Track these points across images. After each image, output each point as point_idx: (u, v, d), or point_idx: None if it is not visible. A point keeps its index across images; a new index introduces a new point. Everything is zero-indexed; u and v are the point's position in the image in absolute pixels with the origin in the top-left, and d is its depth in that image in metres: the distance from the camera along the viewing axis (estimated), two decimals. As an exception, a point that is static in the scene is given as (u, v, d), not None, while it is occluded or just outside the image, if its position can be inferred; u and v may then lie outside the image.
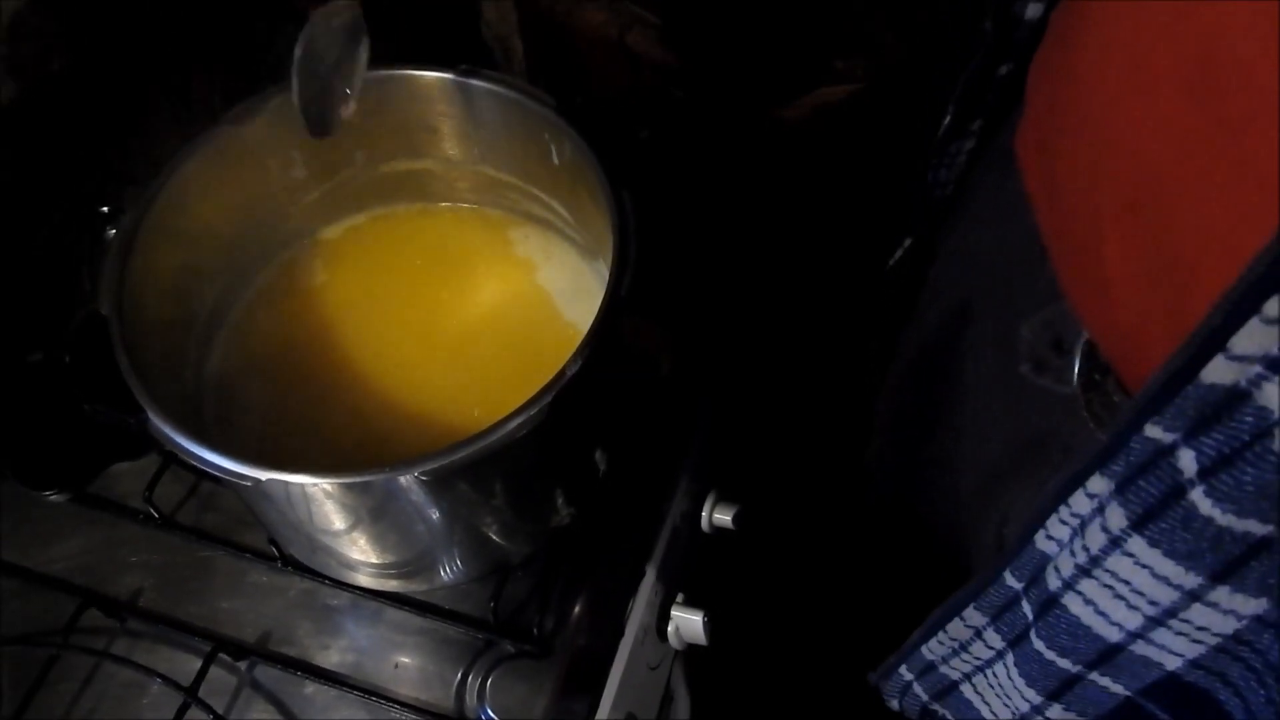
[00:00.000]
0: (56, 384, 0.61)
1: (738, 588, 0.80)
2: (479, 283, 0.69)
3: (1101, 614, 0.40)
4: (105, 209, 0.62)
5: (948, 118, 0.61)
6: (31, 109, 0.78)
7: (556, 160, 0.64)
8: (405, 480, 0.52)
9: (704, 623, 0.69)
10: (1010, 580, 0.46)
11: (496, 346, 0.66)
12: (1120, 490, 0.37)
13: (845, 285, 0.82)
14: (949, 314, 0.64)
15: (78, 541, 0.68)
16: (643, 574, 0.69)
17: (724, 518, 0.76)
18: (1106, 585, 0.39)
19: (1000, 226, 0.58)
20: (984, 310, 0.61)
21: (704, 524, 0.76)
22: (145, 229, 0.58)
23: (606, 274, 0.63)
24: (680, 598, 0.69)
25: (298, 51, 0.56)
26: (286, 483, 0.51)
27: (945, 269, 0.65)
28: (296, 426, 0.64)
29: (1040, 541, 0.43)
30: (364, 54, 0.59)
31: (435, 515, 0.58)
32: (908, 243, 0.69)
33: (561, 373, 0.52)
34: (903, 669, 0.56)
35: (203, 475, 0.54)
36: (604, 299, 0.55)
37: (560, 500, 0.64)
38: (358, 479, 0.51)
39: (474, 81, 0.63)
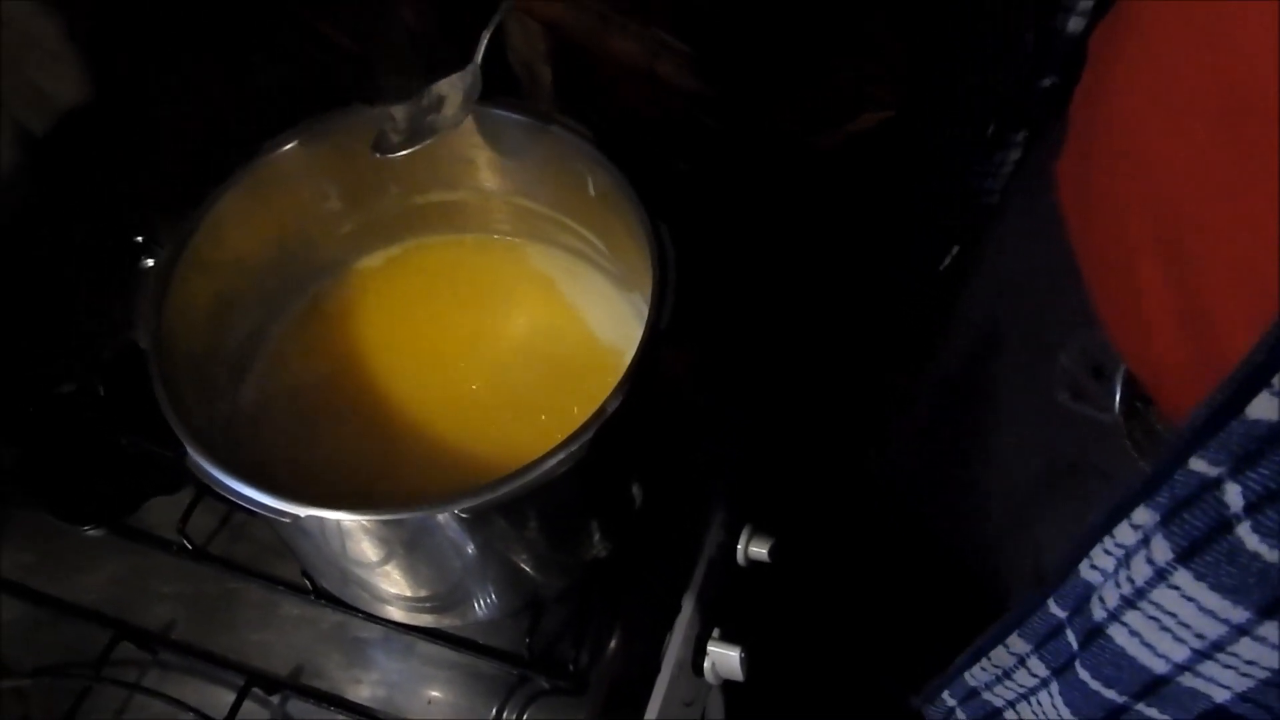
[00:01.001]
0: (90, 416, 0.62)
1: (774, 622, 0.78)
2: (513, 314, 0.69)
3: (1147, 645, 0.40)
4: (139, 239, 0.62)
5: (990, 128, 0.61)
6: (63, 138, 0.77)
7: (592, 191, 0.63)
8: (443, 517, 0.52)
9: (740, 658, 0.68)
10: (1054, 609, 0.46)
11: (532, 378, 0.66)
12: (1165, 523, 0.37)
13: (878, 313, 0.81)
14: (979, 338, 0.64)
15: (110, 571, 0.68)
16: (679, 608, 0.68)
17: (760, 551, 0.74)
18: (1152, 617, 0.39)
19: (1031, 249, 0.58)
20: (1015, 334, 0.61)
21: (739, 557, 0.75)
22: (183, 261, 0.58)
23: (642, 305, 0.64)
24: (716, 632, 0.68)
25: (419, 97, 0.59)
26: (324, 519, 0.50)
27: (975, 292, 0.65)
28: (329, 458, 0.64)
29: (1084, 571, 0.43)
30: (463, 119, 0.61)
31: (471, 550, 0.57)
32: (956, 250, 0.69)
33: (602, 409, 0.52)
34: (946, 695, 0.56)
35: (237, 508, 0.53)
36: (644, 333, 0.54)
37: (596, 533, 0.64)
38: (396, 516, 0.51)
39: (509, 113, 0.63)
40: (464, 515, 0.50)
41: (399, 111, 0.61)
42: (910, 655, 0.73)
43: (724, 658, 0.69)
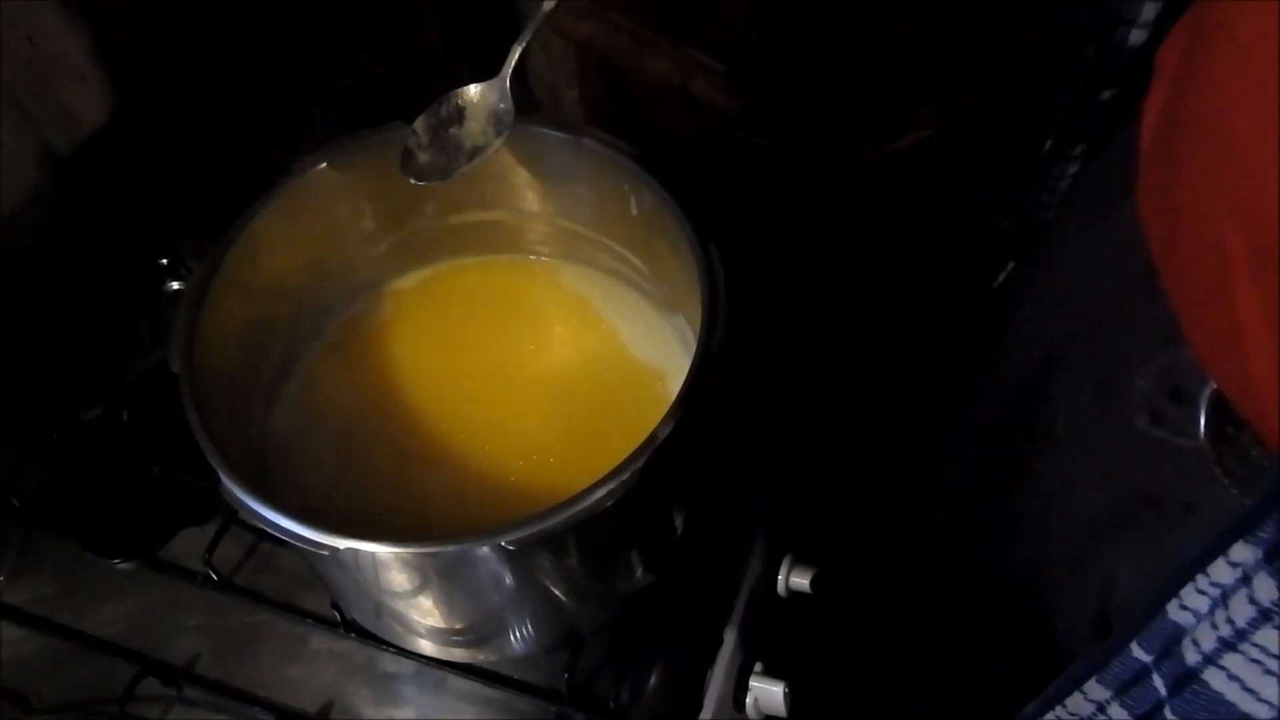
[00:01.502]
0: (115, 443, 0.61)
1: (816, 656, 0.75)
2: (552, 337, 0.68)
3: (1249, 691, 0.38)
4: (164, 260, 0.62)
5: (1049, 142, 0.59)
6: (88, 158, 0.77)
7: (635, 211, 0.62)
8: (487, 549, 0.50)
9: (785, 694, 0.66)
10: (1138, 652, 0.43)
11: (573, 403, 0.64)
12: (1270, 559, 0.35)
13: (924, 335, 0.79)
14: (1036, 360, 0.61)
15: (134, 603, 0.67)
16: (721, 641, 0.66)
17: (801, 581, 0.72)
18: (1255, 660, 0.37)
19: (1096, 266, 0.56)
20: (1077, 358, 0.58)
21: (780, 588, 0.73)
22: (217, 281, 0.57)
23: (685, 327, 0.64)
24: (759, 667, 0.65)
25: (441, 105, 0.59)
26: (364, 551, 0.49)
27: (1031, 312, 0.63)
28: (363, 486, 0.62)
29: (1173, 612, 0.40)
30: (497, 144, 0.60)
31: (510, 582, 0.55)
32: (1011, 265, 0.68)
33: (654, 435, 0.50)
34: (1017, 745, 0.53)
35: (268, 538, 0.52)
36: (695, 356, 0.52)
37: (638, 564, 0.62)
38: (440, 549, 0.49)
39: (549, 130, 0.62)
40: (510, 547, 0.48)
41: (419, 124, 0.60)
42: (960, 694, 0.71)
43: (767, 693, 0.67)
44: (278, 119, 0.85)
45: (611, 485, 0.49)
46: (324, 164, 0.62)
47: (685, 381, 0.52)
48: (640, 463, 0.49)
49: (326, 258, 0.66)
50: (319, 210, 0.63)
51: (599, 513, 0.48)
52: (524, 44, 0.59)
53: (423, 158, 0.59)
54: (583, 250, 0.69)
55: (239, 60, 0.84)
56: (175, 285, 0.62)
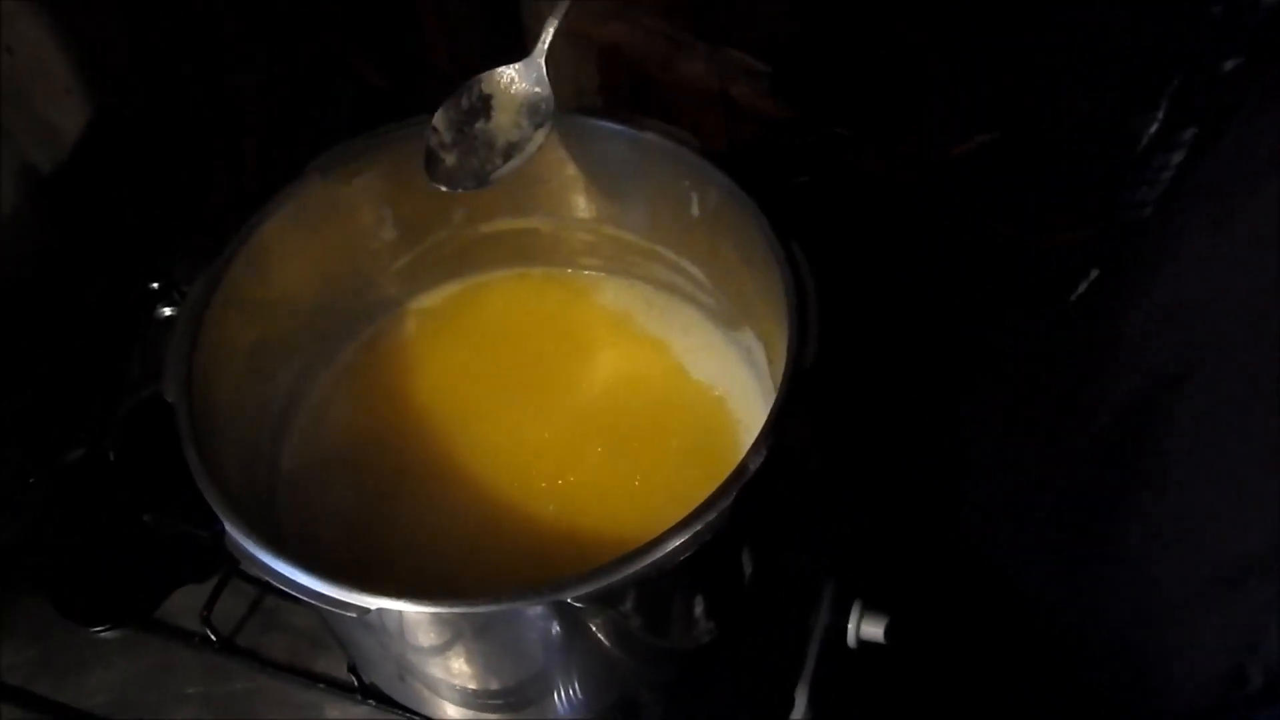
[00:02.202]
0: (102, 488, 0.59)
1: (892, 715, 0.71)
2: (597, 359, 0.64)
3: None
4: (155, 285, 0.60)
5: (1155, 124, 0.55)
6: (72, 177, 0.74)
7: (696, 212, 0.58)
8: (545, 606, 0.44)
9: (864, 760, 0.61)
10: None
11: (624, 433, 0.60)
12: None
13: (989, 358, 0.74)
14: (1149, 383, 0.56)
15: (122, 670, 0.63)
16: (792, 703, 0.62)
17: (874, 630, 0.67)
18: None
19: (1224, 273, 0.52)
20: (1206, 377, 0.53)
21: (850, 639, 0.67)
22: (217, 299, 0.53)
23: (752, 344, 0.61)
24: (833, 729, 0.62)
25: (462, 94, 0.54)
26: (400, 612, 0.43)
27: (1136, 326, 0.58)
28: (388, 532, 0.58)
29: None
30: (538, 138, 0.54)
31: (558, 639, 0.50)
32: (1094, 274, 0.63)
33: (741, 469, 0.45)
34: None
35: (279, 594, 0.48)
36: (785, 375, 0.47)
37: (702, 616, 0.56)
38: (492, 608, 0.43)
39: (595, 121, 0.57)
40: (577, 605, 0.43)
41: (439, 119, 0.54)
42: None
43: (845, 760, 0.62)
44: (277, 125, 0.83)
45: (696, 527, 0.43)
46: (338, 166, 0.58)
47: (776, 403, 0.46)
48: (728, 501, 0.44)
49: (341, 272, 0.62)
50: (333, 218, 0.59)
51: (684, 559, 0.43)
52: (560, 18, 0.53)
53: (449, 160, 0.54)
54: (631, 261, 0.65)
55: (233, 66, 0.82)
56: (168, 311, 0.60)
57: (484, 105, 0.55)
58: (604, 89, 0.87)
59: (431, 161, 0.54)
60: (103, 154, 0.76)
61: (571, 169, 0.60)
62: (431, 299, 0.66)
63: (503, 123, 0.55)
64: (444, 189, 0.54)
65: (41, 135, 0.71)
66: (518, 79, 0.54)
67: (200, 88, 0.81)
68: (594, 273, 0.66)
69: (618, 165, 0.59)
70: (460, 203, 0.62)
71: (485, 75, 0.54)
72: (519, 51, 0.55)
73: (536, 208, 0.63)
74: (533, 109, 0.54)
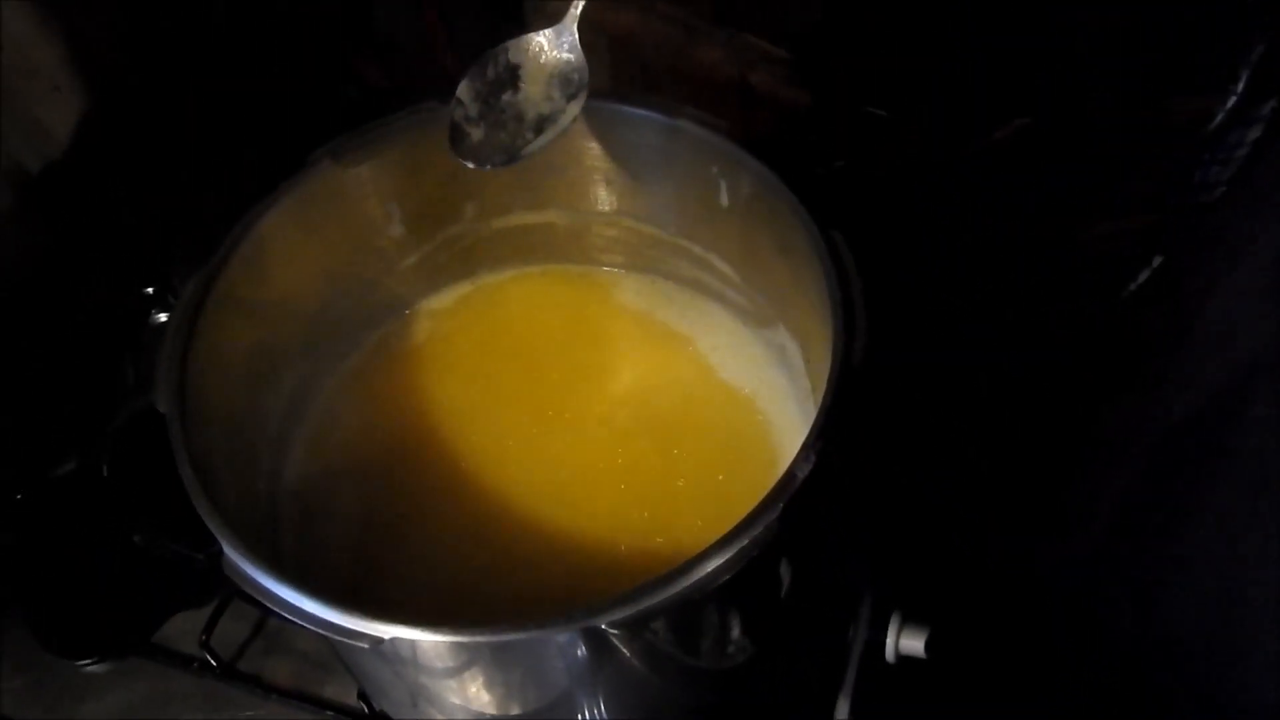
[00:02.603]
0: (93, 505, 0.56)
1: None
2: (619, 361, 0.62)
3: None
4: (150, 290, 0.59)
5: (1233, 98, 0.53)
6: (63, 177, 0.73)
7: (725, 202, 0.55)
8: (573, 633, 0.41)
9: (909, 783, 0.59)
10: None
11: (649, 439, 0.58)
12: None
13: (1044, 354, 0.72)
14: (1232, 371, 0.54)
15: (118, 698, 0.61)
16: None
17: (914, 644, 0.65)
18: None
19: None
20: None
21: (889, 653, 0.65)
22: (213, 300, 0.50)
23: (785, 342, 0.59)
24: (875, 752, 0.60)
25: (487, 63, 0.51)
26: (416, 641, 0.40)
27: (1222, 315, 0.56)
28: (399, 550, 0.55)
29: None
30: (572, 110, 0.51)
31: (585, 663, 0.47)
32: (1158, 261, 0.61)
33: (789, 477, 0.41)
34: None
35: (289, 623, 0.43)
36: (832, 374, 0.44)
37: (739, 635, 0.54)
38: (518, 636, 0.39)
39: (617, 105, 0.54)
40: (612, 631, 0.39)
41: (464, 91, 0.51)
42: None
43: (889, 783, 0.61)
44: (276, 125, 0.80)
45: (743, 542, 0.40)
46: (342, 156, 0.55)
47: (823, 405, 0.43)
48: (775, 513, 0.40)
49: (346, 271, 0.60)
50: (336, 213, 0.57)
51: (733, 576, 0.40)
52: None
53: (475, 134, 0.50)
54: (655, 256, 0.62)
55: (232, 63, 0.80)
56: (163, 317, 0.59)
57: (510, 75, 0.52)
58: (613, 80, 0.86)
59: (457, 136, 0.51)
60: (95, 153, 0.74)
61: (590, 158, 0.58)
62: (442, 300, 0.65)
63: (532, 94, 0.52)
64: (470, 165, 0.51)
65: (30, 134, 0.70)
66: (547, 47, 0.51)
67: (197, 86, 0.79)
68: (615, 270, 0.65)
69: (641, 153, 0.56)
70: (472, 196, 0.60)
71: (512, 43, 0.51)
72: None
73: (553, 200, 0.61)
74: (565, 79, 0.51)
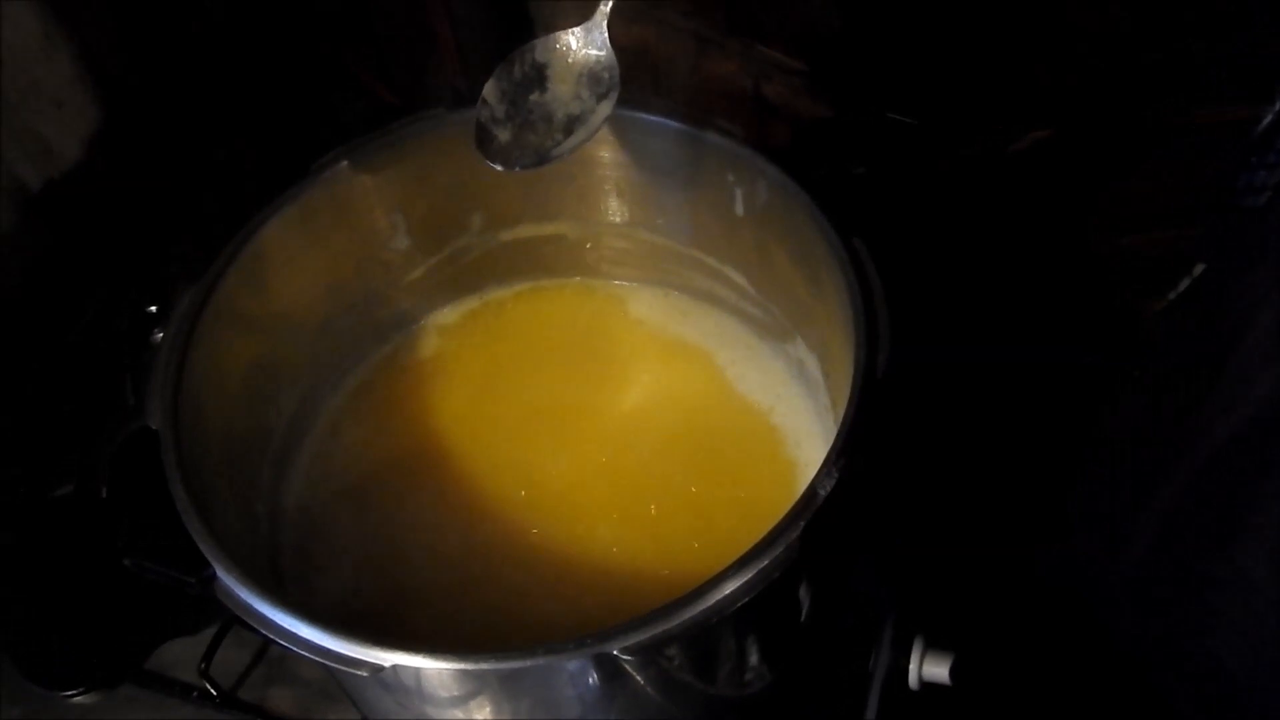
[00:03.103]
0: (89, 528, 0.54)
1: None
2: (631, 376, 0.61)
3: None
4: (152, 308, 0.58)
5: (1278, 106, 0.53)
6: (65, 195, 0.72)
7: (740, 211, 0.54)
8: (584, 660, 0.40)
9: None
10: None
11: (664, 456, 0.57)
12: None
13: (1074, 365, 0.72)
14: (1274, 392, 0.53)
15: None
16: None
17: (937, 670, 0.63)
18: None
19: None
20: None
21: (912, 680, 0.64)
22: (209, 314, 0.49)
23: (803, 355, 0.58)
24: (900, 786, 0.58)
25: (514, 62, 0.50)
26: (420, 669, 0.38)
27: (1264, 325, 0.54)
28: (404, 573, 0.55)
29: None
30: (603, 110, 0.49)
31: (596, 690, 0.46)
32: (1199, 269, 0.60)
33: (810, 494, 0.40)
34: None
35: (286, 650, 0.42)
36: (854, 386, 0.43)
37: (757, 662, 0.52)
38: (527, 663, 0.38)
39: (630, 112, 0.53)
40: (626, 658, 0.38)
41: (489, 91, 0.49)
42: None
43: (915, 819, 0.59)
44: (278, 135, 0.81)
45: (763, 563, 0.38)
46: (346, 164, 0.54)
47: (845, 419, 0.42)
48: (797, 532, 0.39)
49: (350, 284, 0.60)
50: (340, 223, 0.57)
51: (752, 598, 0.38)
52: None
53: (503, 135, 0.49)
54: (668, 269, 0.62)
55: (233, 75, 0.80)
56: (162, 332, 0.56)
57: (538, 74, 0.50)
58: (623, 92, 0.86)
59: (484, 138, 0.50)
60: (97, 169, 0.74)
61: (601, 167, 0.58)
62: (449, 314, 0.64)
63: (561, 94, 0.50)
64: (499, 168, 0.50)
65: (32, 150, 0.69)
66: (576, 45, 0.50)
67: (202, 103, 0.79)
68: (626, 283, 0.64)
69: (653, 160, 0.56)
70: (479, 207, 0.60)
71: (539, 41, 0.50)
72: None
73: (563, 212, 0.60)
74: (594, 78, 0.50)
